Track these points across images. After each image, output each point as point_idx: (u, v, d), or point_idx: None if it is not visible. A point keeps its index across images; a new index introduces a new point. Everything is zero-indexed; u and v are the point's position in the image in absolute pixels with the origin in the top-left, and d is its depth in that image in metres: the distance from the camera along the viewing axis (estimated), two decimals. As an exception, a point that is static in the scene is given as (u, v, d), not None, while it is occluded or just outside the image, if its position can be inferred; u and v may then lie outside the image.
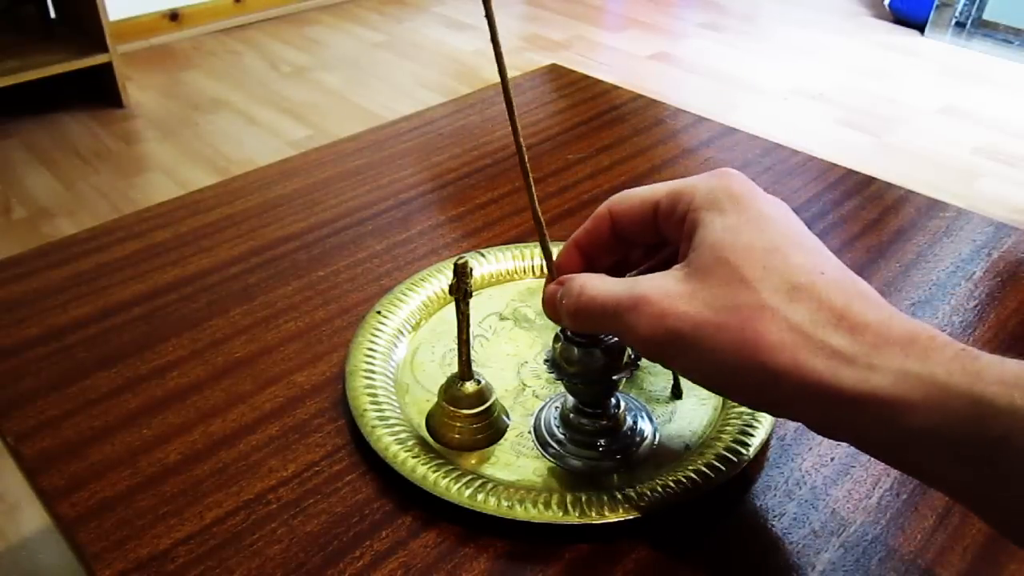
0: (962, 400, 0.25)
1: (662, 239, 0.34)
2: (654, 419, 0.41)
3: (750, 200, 0.31)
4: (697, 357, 0.29)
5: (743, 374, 0.28)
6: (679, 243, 0.32)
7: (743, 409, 0.40)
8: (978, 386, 0.25)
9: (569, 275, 0.34)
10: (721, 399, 0.42)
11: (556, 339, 0.37)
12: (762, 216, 0.30)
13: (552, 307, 0.34)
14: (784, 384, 0.28)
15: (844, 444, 0.40)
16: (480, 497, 0.36)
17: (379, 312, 0.47)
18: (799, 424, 0.41)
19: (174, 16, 2.61)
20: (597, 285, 0.32)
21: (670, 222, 0.33)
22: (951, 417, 0.25)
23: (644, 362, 0.45)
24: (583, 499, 0.36)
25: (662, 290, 0.30)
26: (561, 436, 0.40)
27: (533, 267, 0.52)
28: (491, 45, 0.30)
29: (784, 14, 2.79)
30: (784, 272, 0.29)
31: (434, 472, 0.37)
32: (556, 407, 0.41)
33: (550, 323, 0.39)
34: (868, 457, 0.39)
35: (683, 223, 0.32)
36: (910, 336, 0.27)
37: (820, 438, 0.40)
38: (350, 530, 0.36)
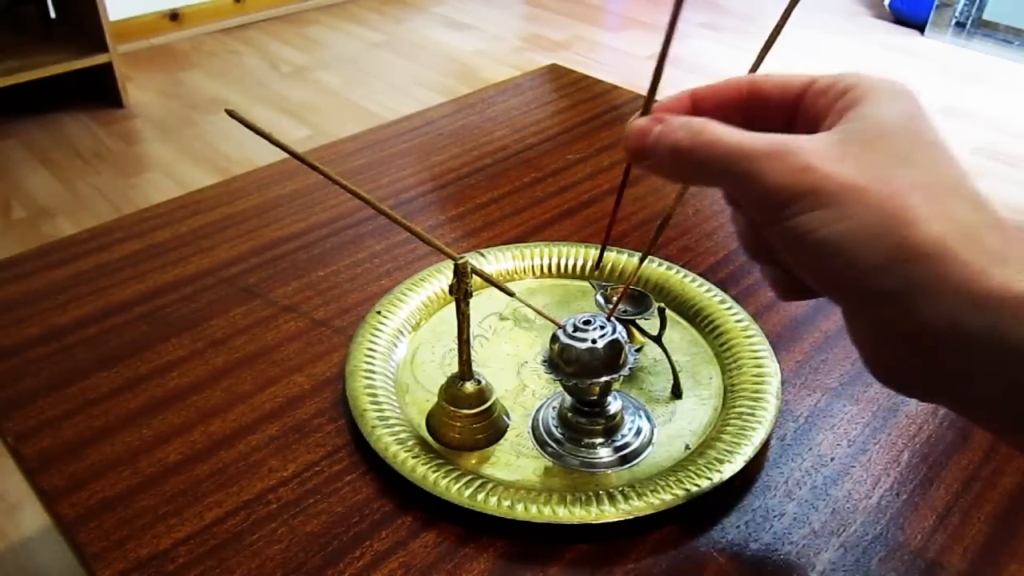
0: None
1: (798, 123, 0.31)
2: (653, 419, 0.41)
3: (921, 103, 0.28)
4: (830, 217, 0.25)
5: (878, 247, 0.25)
6: (815, 126, 0.29)
7: (743, 409, 0.40)
8: None
9: (677, 116, 0.29)
10: (721, 399, 0.42)
11: (553, 339, 0.37)
12: (933, 125, 0.28)
13: (644, 143, 0.29)
14: (923, 267, 0.24)
15: (844, 444, 0.40)
16: (480, 497, 0.36)
17: (379, 312, 0.47)
18: (799, 424, 0.41)
19: (174, 16, 2.61)
20: (725, 127, 0.28)
21: (824, 98, 0.29)
22: None
23: (644, 362, 0.45)
24: (583, 499, 0.36)
25: (811, 145, 0.27)
26: (559, 435, 0.40)
27: (533, 267, 0.52)
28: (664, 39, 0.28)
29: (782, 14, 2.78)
30: (949, 169, 0.26)
31: (434, 472, 0.37)
32: (554, 407, 0.41)
33: (549, 323, 0.39)
34: (868, 457, 0.39)
35: (840, 99, 0.29)
36: None
37: (820, 438, 0.40)
38: (350, 530, 0.36)
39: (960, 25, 2.64)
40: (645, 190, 0.62)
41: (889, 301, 0.26)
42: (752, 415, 0.40)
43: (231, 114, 0.36)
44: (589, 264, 0.51)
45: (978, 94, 2.33)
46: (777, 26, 0.31)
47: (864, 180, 0.25)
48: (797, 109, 0.30)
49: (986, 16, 2.60)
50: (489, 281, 0.40)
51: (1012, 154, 2.01)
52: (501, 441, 0.40)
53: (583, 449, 0.39)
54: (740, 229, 0.32)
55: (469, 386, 0.39)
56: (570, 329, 0.37)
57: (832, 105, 0.29)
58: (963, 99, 2.29)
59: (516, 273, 0.52)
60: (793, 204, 0.26)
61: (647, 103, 0.30)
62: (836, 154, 0.26)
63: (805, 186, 0.26)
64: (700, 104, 0.31)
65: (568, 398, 0.40)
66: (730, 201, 0.32)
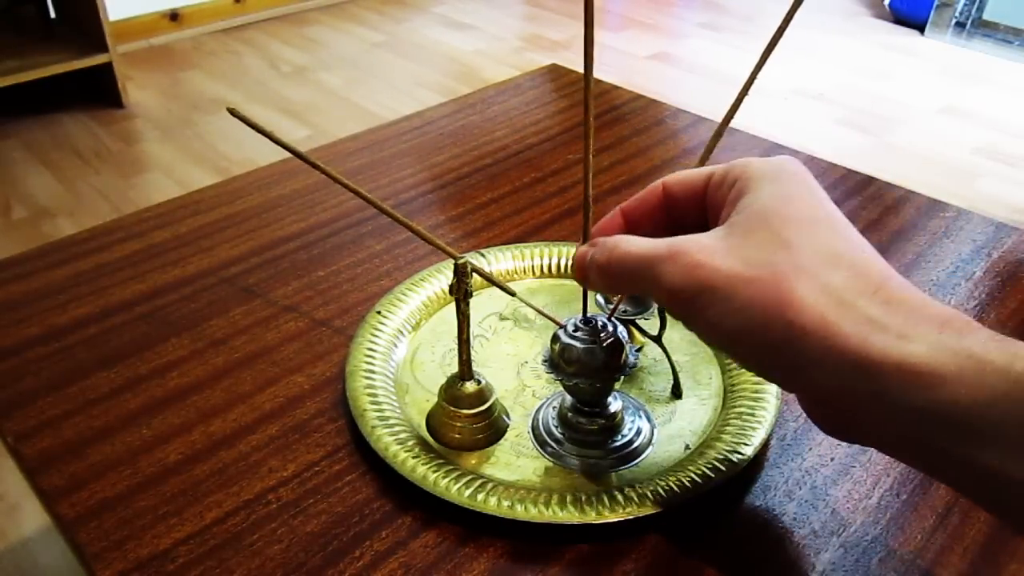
0: (1000, 376, 0.24)
1: (700, 216, 0.34)
2: (653, 419, 0.41)
3: (804, 177, 0.31)
4: (724, 310, 0.28)
5: (767, 331, 0.27)
6: (717, 215, 0.32)
7: (743, 409, 0.40)
8: (1018, 364, 0.24)
9: (604, 237, 0.34)
10: (721, 399, 0.42)
11: (554, 339, 0.37)
12: (813, 194, 0.30)
13: (582, 267, 0.34)
14: (809, 343, 0.26)
15: (844, 444, 0.40)
16: (480, 497, 0.36)
17: (379, 312, 0.47)
18: (799, 424, 0.41)
19: (174, 16, 2.61)
20: (632, 240, 0.32)
21: (720, 191, 0.32)
22: (988, 393, 0.24)
23: (643, 362, 0.45)
24: (583, 499, 0.36)
25: (699, 243, 0.30)
26: (559, 436, 0.40)
27: (533, 267, 0.52)
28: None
29: (784, 14, 2.79)
30: (827, 241, 0.28)
31: (434, 472, 0.37)
32: (554, 407, 0.41)
33: (549, 323, 0.39)
34: (868, 457, 0.39)
35: (730, 191, 0.31)
36: (946, 316, 0.26)
37: (820, 438, 0.40)
38: (350, 530, 0.36)
39: (960, 25, 2.64)
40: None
41: (793, 375, 0.29)
42: (752, 415, 0.40)
43: (233, 112, 0.36)
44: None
45: (978, 94, 2.33)
46: (779, 29, 0.32)
47: (748, 270, 0.28)
48: (703, 203, 0.33)
49: (986, 16, 2.60)
50: (490, 280, 0.40)
51: (1012, 154, 2.01)
52: (501, 441, 0.40)
53: (583, 449, 0.39)
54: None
55: (469, 386, 0.39)
56: (571, 329, 0.37)
57: (726, 197, 0.32)
58: (963, 99, 2.29)
59: (516, 273, 0.52)
60: (692, 303, 0.29)
61: (585, 224, 0.35)
62: (722, 248, 0.29)
63: (698, 283, 0.29)
64: (630, 216, 0.35)
65: (568, 398, 0.40)
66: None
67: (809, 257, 0.28)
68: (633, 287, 0.33)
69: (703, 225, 0.33)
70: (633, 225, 0.35)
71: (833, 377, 0.27)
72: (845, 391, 0.27)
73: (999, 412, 0.24)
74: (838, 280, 0.27)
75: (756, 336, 0.28)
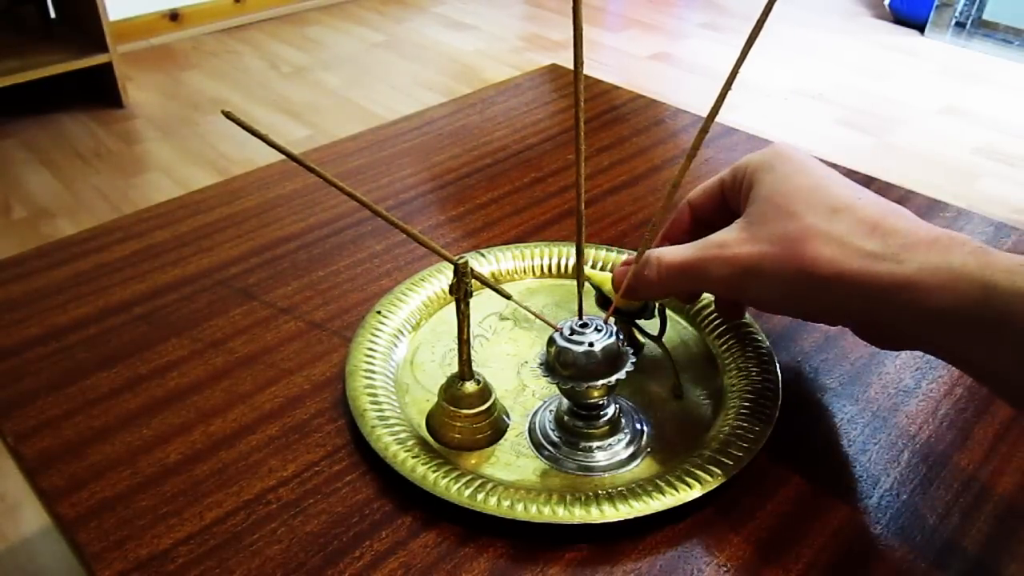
0: (971, 284, 0.30)
1: (729, 217, 0.39)
2: (651, 420, 0.41)
3: (794, 155, 0.37)
4: (766, 284, 0.35)
5: (800, 289, 0.34)
6: (739, 212, 0.38)
7: (743, 409, 0.40)
8: (986, 272, 0.29)
9: (635, 255, 0.39)
10: (721, 399, 0.42)
11: (550, 342, 0.37)
12: (806, 166, 0.36)
13: (631, 285, 0.39)
14: (832, 289, 0.33)
15: (844, 444, 0.40)
16: (480, 497, 0.36)
17: (379, 312, 0.47)
18: (799, 425, 0.41)
19: (174, 16, 2.61)
20: (671, 251, 0.38)
21: (734, 191, 0.38)
22: (962, 298, 0.30)
23: (644, 363, 0.45)
24: (583, 499, 0.36)
25: (729, 238, 0.36)
26: (556, 439, 0.40)
27: (533, 267, 0.52)
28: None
29: (784, 14, 2.79)
30: (825, 200, 0.34)
31: (434, 472, 0.37)
32: (551, 410, 0.41)
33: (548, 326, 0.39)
34: (868, 457, 0.39)
35: (741, 189, 0.38)
36: (934, 237, 0.32)
37: (820, 438, 0.40)
38: (350, 530, 0.36)
39: (960, 25, 2.64)
40: (645, 190, 0.62)
41: (832, 314, 0.36)
42: (752, 415, 0.40)
43: (228, 116, 0.36)
44: (589, 264, 0.51)
45: (978, 94, 2.33)
46: (758, 23, 0.33)
47: (769, 247, 0.34)
48: (725, 205, 0.40)
49: (986, 16, 2.60)
50: (486, 284, 0.40)
51: (1012, 154, 2.01)
52: (501, 441, 0.40)
53: (580, 453, 0.39)
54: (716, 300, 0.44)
55: (469, 386, 0.39)
56: (567, 332, 0.37)
57: (739, 196, 0.38)
58: (963, 99, 2.29)
59: (516, 273, 0.52)
60: (739, 285, 0.36)
61: (577, 236, 0.38)
62: (747, 236, 0.35)
63: (740, 269, 0.35)
64: (673, 240, 0.41)
65: (565, 401, 0.40)
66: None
67: (812, 218, 0.33)
68: (685, 288, 0.39)
69: (727, 224, 0.39)
70: (670, 240, 0.42)
71: (857, 305, 0.33)
72: (871, 313, 0.33)
73: (973, 314, 0.30)
74: (840, 229, 0.33)
75: (793, 294, 0.34)
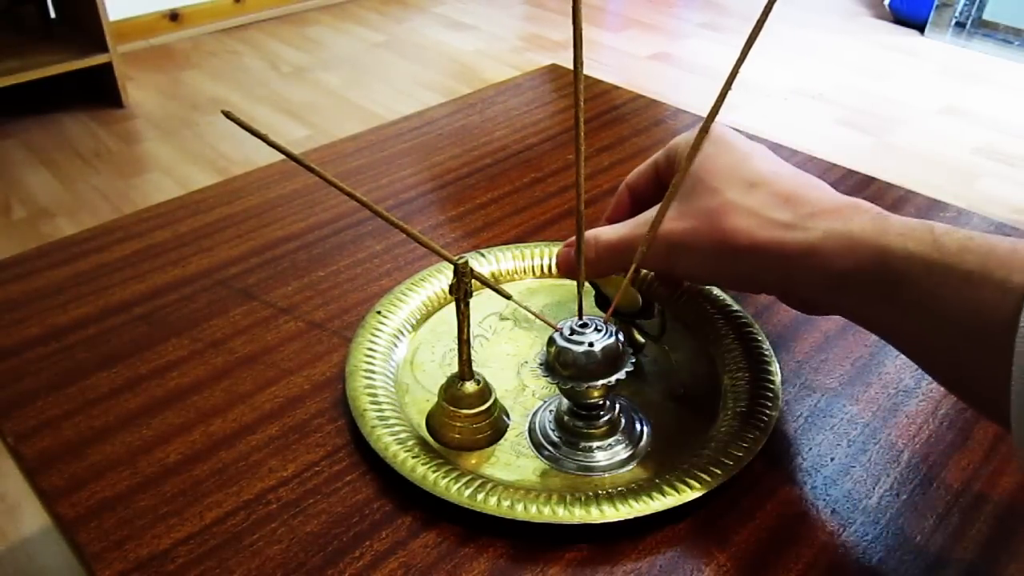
0: (868, 249, 0.32)
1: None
2: (651, 420, 0.41)
3: (723, 135, 0.38)
4: (692, 258, 0.37)
5: (723, 261, 0.36)
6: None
7: (743, 409, 0.40)
8: (883, 238, 0.31)
9: (588, 234, 0.40)
10: (721, 399, 0.42)
11: (550, 342, 0.37)
12: (731, 144, 0.38)
13: (568, 264, 0.40)
14: (749, 259, 0.35)
15: (844, 444, 0.40)
16: (480, 497, 0.36)
17: (379, 312, 0.47)
18: (799, 425, 0.41)
19: (174, 16, 2.61)
20: (606, 231, 0.39)
21: (668, 173, 0.40)
22: (861, 262, 0.32)
23: (644, 363, 0.45)
24: (583, 499, 0.36)
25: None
26: (556, 439, 0.40)
27: (533, 267, 0.52)
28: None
29: (784, 14, 2.79)
30: (744, 175, 0.36)
31: (434, 472, 0.37)
32: (551, 410, 0.41)
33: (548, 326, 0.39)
34: (868, 457, 0.39)
35: (673, 169, 0.39)
36: (838, 205, 0.34)
37: (820, 438, 0.40)
38: (350, 530, 0.36)
39: (960, 25, 2.64)
40: (645, 190, 0.62)
41: (753, 282, 0.38)
42: (752, 415, 0.40)
43: (228, 115, 0.36)
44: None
45: (978, 94, 2.33)
46: (757, 24, 0.33)
47: (693, 222, 0.36)
48: (660, 185, 0.41)
49: (986, 16, 2.60)
50: (486, 284, 0.40)
51: (1012, 154, 2.01)
52: (501, 441, 0.40)
53: (580, 453, 0.39)
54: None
55: (469, 386, 0.39)
56: (567, 332, 0.37)
57: (671, 173, 0.39)
58: (963, 99, 2.29)
59: (516, 273, 0.52)
60: (669, 261, 0.37)
61: (577, 236, 0.39)
62: (673, 215, 0.37)
63: (665, 245, 0.37)
64: (612, 218, 0.43)
65: (565, 401, 0.40)
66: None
67: (731, 193, 0.35)
68: (621, 266, 0.40)
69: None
70: (612, 221, 0.42)
71: (773, 274, 0.35)
72: (785, 280, 0.35)
73: (871, 277, 0.32)
74: (754, 202, 0.35)
75: (716, 266, 0.36)
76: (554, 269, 0.52)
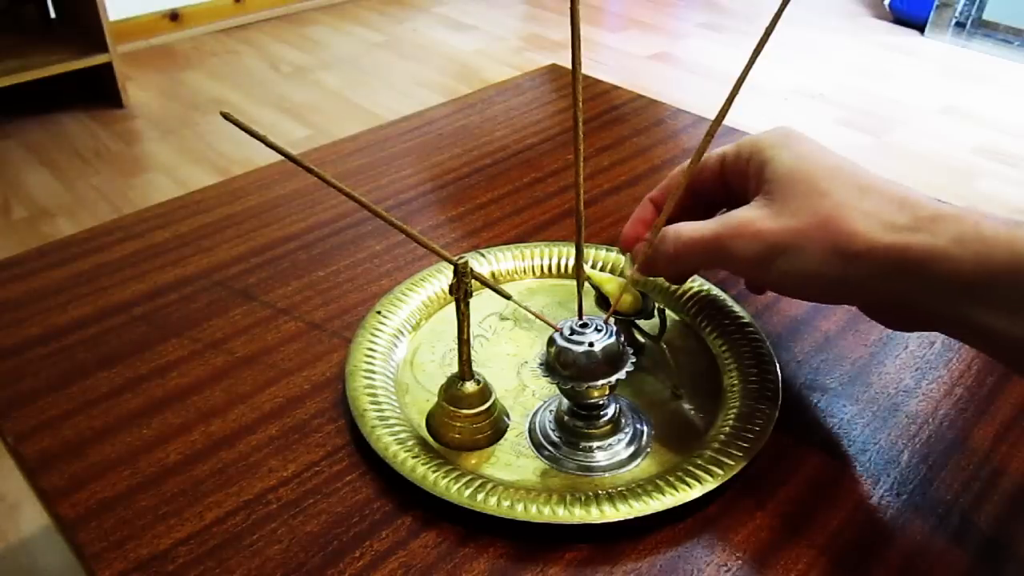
0: (1003, 251, 0.30)
1: (726, 194, 0.40)
2: (651, 420, 0.41)
3: (805, 136, 0.37)
4: (793, 259, 0.34)
5: (831, 265, 0.34)
6: (743, 189, 0.38)
7: (743, 409, 0.40)
8: (1017, 242, 0.30)
9: (665, 229, 0.38)
10: (721, 399, 0.42)
11: (550, 342, 0.37)
12: (821, 148, 0.37)
13: (647, 259, 0.39)
14: (864, 263, 0.33)
15: (844, 444, 0.40)
16: (480, 497, 0.36)
17: (379, 312, 0.47)
18: (799, 425, 0.41)
19: (174, 16, 2.61)
20: (689, 227, 0.37)
21: (736, 169, 0.38)
22: (995, 266, 0.30)
23: (643, 363, 0.45)
24: (583, 499, 0.36)
25: (752, 215, 0.36)
26: (556, 439, 0.40)
27: (533, 267, 0.52)
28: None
29: (784, 14, 2.78)
30: (851, 179, 0.34)
31: (434, 472, 0.37)
32: (551, 410, 0.41)
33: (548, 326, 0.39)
34: (868, 457, 0.39)
35: (748, 167, 0.38)
36: (960, 213, 0.32)
37: (820, 438, 0.40)
38: (350, 530, 0.36)
39: (960, 25, 2.64)
40: (645, 190, 0.62)
41: (854, 292, 0.36)
42: (752, 415, 0.40)
43: (226, 116, 0.36)
44: (589, 264, 0.51)
45: (978, 94, 2.33)
46: (768, 28, 0.33)
47: (800, 222, 0.34)
48: (724, 182, 0.40)
49: (986, 16, 2.60)
50: (486, 284, 0.40)
51: (1012, 154, 2.01)
52: (501, 441, 0.40)
53: (580, 453, 0.39)
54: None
55: (469, 386, 0.39)
56: (567, 332, 0.37)
57: (745, 171, 0.38)
58: (963, 99, 2.29)
59: (516, 273, 0.52)
60: (765, 262, 0.35)
61: (577, 237, 0.37)
62: (771, 212, 0.35)
63: (767, 245, 0.35)
64: (658, 204, 0.41)
65: (565, 401, 0.40)
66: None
67: (843, 196, 0.34)
68: (704, 266, 0.39)
69: (724, 201, 0.40)
70: (634, 233, 0.42)
71: (887, 280, 0.33)
72: (899, 288, 0.33)
73: (1004, 281, 0.30)
74: (870, 206, 0.33)
75: (824, 270, 0.34)
76: (554, 269, 0.52)
